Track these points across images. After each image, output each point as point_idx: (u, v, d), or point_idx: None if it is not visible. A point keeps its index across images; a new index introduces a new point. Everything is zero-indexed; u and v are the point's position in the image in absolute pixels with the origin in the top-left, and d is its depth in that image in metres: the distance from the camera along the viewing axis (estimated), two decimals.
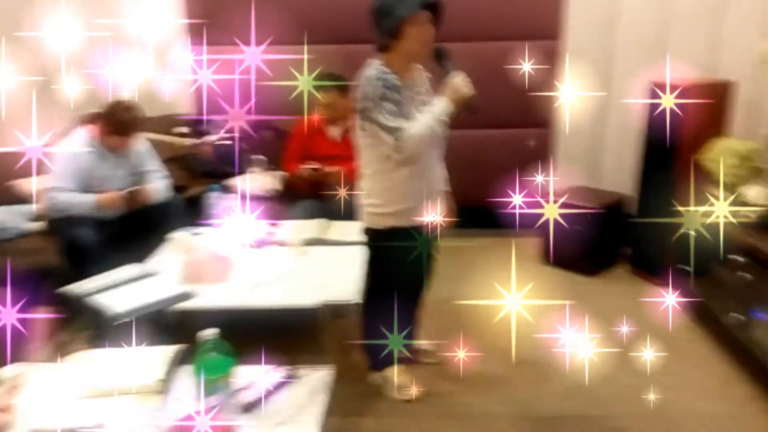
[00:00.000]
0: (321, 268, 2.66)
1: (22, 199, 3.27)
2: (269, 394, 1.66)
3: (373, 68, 2.18)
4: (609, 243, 3.74)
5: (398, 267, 2.40)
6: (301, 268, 2.67)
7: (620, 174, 3.93)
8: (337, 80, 3.35)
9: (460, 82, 2.16)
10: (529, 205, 3.85)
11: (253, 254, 2.81)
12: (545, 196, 3.85)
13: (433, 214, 2.40)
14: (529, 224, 3.98)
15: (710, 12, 3.62)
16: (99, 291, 2.40)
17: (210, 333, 1.50)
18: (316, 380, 1.78)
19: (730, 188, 2.90)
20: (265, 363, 1.79)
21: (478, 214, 4.33)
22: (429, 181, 2.35)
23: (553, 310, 3.20)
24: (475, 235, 4.25)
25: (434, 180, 2.39)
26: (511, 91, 4.10)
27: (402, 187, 2.27)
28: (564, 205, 3.70)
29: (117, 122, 3.03)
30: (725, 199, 2.89)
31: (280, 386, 1.71)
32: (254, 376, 1.70)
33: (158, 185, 3.25)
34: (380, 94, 2.12)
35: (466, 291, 3.49)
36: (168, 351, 1.82)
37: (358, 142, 2.32)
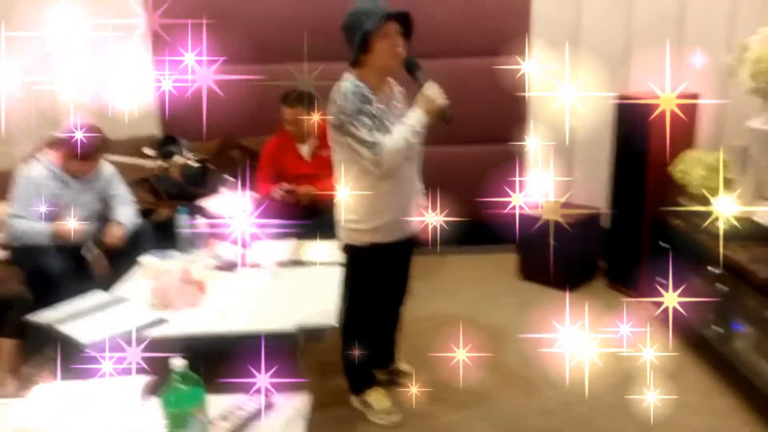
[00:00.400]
0: (296, 291, 2.60)
1: None
2: (244, 425, 1.59)
3: (348, 82, 2.16)
4: (585, 257, 3.74)
5: (378, 284, 2.37)
6: (276, 291, 2.60)
7: (593, 187, 3.95)
8: (301, 97, 3.32)
9: (433, 92, 2.15)
10: (505, 217, 3.86)
11: (224, 277, 2.73)
12: (522, 209, 3.86)
13: (412, 228, 2.39)
14: (506, 239, 4.04)
15: (673, 25, 3.69)
16: (66, 319, 2.29)
17: (177, 364, 1.42)
18: (292, 408, 1.71)
19: (702, 199, 2.92)
20: (240, 391, 1.72)
21: (453, 229, 4.33)
22: (407, 195, 2.34)
23: (531, 325, 3.19)
24: (452, 251, 4.23)
25: (412, 194, 2.38)
26: (484, 106, 4.13)
27: (381, 202, 2.24)
28: (534, 220, 3.71)
29: (78, 147, 2.90)
30: (697, 210, 2.92)
31: (254, 416, 1.63)
32: (228, 407, 1.62)
33: (125, 212, 3.15)
34: (356, 108, 2.10)
35: (446, 308, 3.46)
36: (137, 382, 1.73)
37: (334, 158, 2.28)
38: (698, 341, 2.78)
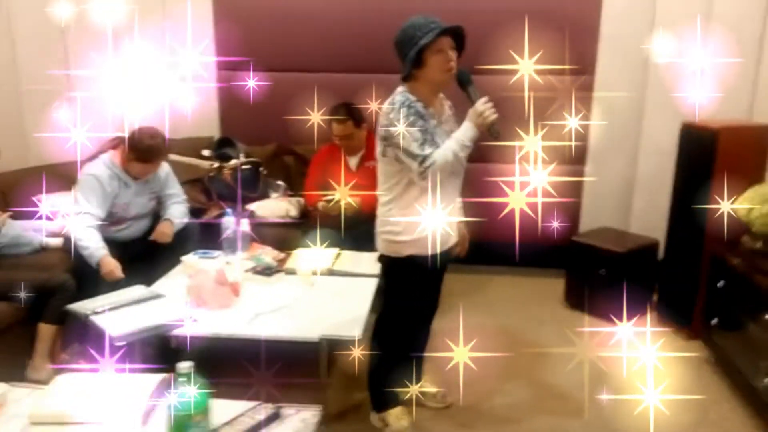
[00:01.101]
0: (328, 300, 2.60)
1: (46, 215, 3.29)
2: None
3: (399, 95, 2.18)
4: (637, 289, 3.56)
5: (413, 297, 2.35)
6: (308, 299, 2.61)
7: (651, 217, 3.77)
8: (351, 112, 3.34)
9: (483, 106, 2.14)
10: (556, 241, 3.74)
11: (260, 282, 2.76)
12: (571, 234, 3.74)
13: (450, 243, 2.37)
14: (554, 264, 3.91)
15: (748, 53, 3.49)
16: (102, 311, 2.38)
17: (184, 366, 1.43)
18: (300, 420, 1.69)
19: (765, 238, 2.73)
20: (256, 398, 1.72)
21: (501, 249, 4.24)
22: (447, 211, 2.31)
23: (571, 359, 3.07)
24: (499, 271, 4.13)
25: (453, 209, 2.35)
26: (542, 126, 4.03)
27: (423, 215, 2.22)
28: (588, 247, 3.57)
29: (141, 150, 2.97)
30: (758, 249, 2.73)
31: (262, 425, 1.63)
32: (235, 414, 1.62)
33: (176, 210, 3.23)
34: (406, 120, 2.12)
35: (485, 329, 3.36)
36: (153, 380, 1.76)
37: (379, 169, 2.30)
38: (747, 390, 2.58)
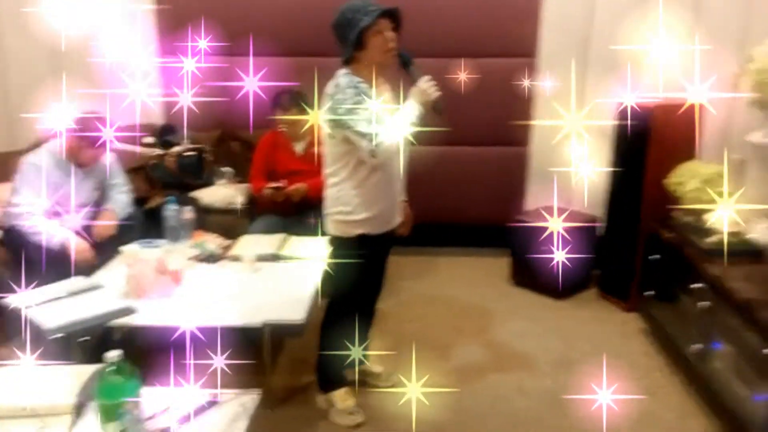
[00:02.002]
0: (273, 286, 2.60)
1: None
2: (184, 420, 1.58)
3: (343, 77, 2.20)
4: (578, 265, 3.66)
5: (363, 277, 2.38)
6: (252, 286, 2.60)
7: (592, 195, 3.87)
8: (295, 98, 3.32)
9: (426, 84, 2.19)
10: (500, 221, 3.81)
11: (204, 269, 2.75)
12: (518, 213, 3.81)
13: (395, 223, 2.42)
14: (499, 243, 3.99)
15: (682, 35, 3.59)
16: (39, 304, 2.33)
17: (112, 355, 1.42)
18: (239, 405, 1.70)
19: (695, 213, 2.84)
20: (194, 385, 1.72)
21: (449, 230, 4.30)
22: (394, 189, 2.37)
23: (515, 333, 3.15)
24: (445, 252, 4.20)
25: (398, 188, 2.40)
26: (488, 108, 4.08)
27: (372, 194, 2.27)
28: (532, 227, 3.65)
29: (89, 135, 2.90)
30: (689, 224, 2.84)
31: (197, 412, 1.63)
32: (170, 401, 1.62)
33: (119, 200, 3.18)
34: (354, 101, 2.14)
35: (432, 310, 3.43)
36: (87, 370, 1.74)
37: (326, 150, 2.31)
38: (680, 358, 2.70)
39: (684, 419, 2.47)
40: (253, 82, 3.08)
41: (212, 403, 1.68)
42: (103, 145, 3.01)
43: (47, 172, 2.90)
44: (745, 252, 2.58)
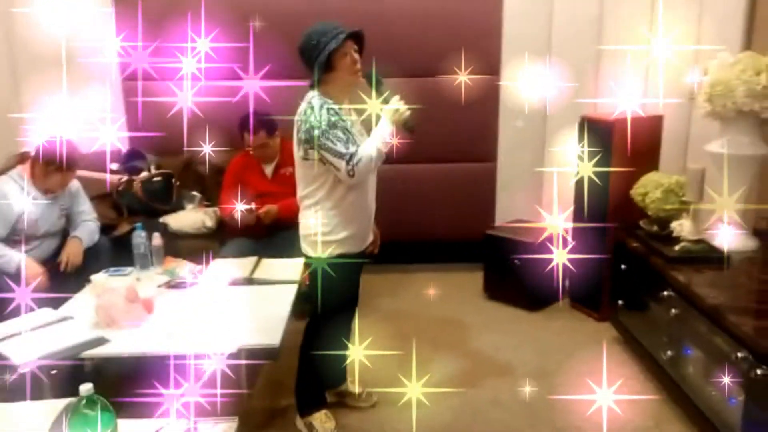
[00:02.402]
0: (246, 310, 2.56)
1: None
2: None
3: (316, 99, 2.22)
4: (549, 277, 3.70)
5: (341, 297, 2.38)
6: (226, 310, 2.56)
7: (563, 207, 3.93)
8: (263, 121, 3.33)
9: (398, 103, 2.24)
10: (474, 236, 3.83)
11: (175, 296, 2.70)
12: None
13: (368, 241, 2.45)
14: (472, 258, 4.02)
15: (641, 47, 3.71)
16: (5, 338, 2.26)
17: (84, 389, 1.39)
18: None
19: (659, 222, 2.91)
20: (171, 415, 1.68)
21: (421, 247, 4.31)
22: (369, 207, 2.40)
23: (490, 346, 3.17)
24: (418, 269, 4.21)
25: (372, 206, 2.43)
26: (454, 126, 4.13)
27: (349, 213, 2.30)
28: (503, 240, 3.69)
29: (55, 161, 2.86)
30: (655, 233, 2.91)
31: None
32: None
33: (85, 228, 3.13)
34: (328, 121, 2.17)
35: (407, 326, 3.43)
36: (58, 405, 1.69)
37: (300, 173, 2.32)
38: (654, 366, 2.75)
39: (660, 426, 2.51)
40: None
41: None
42: (71, 170, 2.97)
43: (10, 199, 2.84)
44: (709, 258, 2.65)
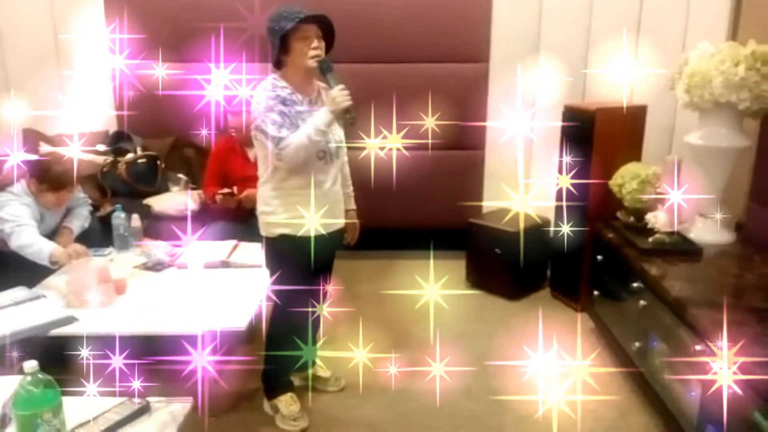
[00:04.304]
0: (218, 293, 2.59)
1: None
2: (112, 428, 1.58)
3: (266, 82, 2.27)
4: (531, 266, 3.71)
5: (292, 279, 2.36)
6: (199, 293, 2.59)
7: (545, 197, 3.92)
8: (250, 102, 3.32)
9: (338, 93, 2.19)
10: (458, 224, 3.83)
11: (150, 277, 2.73)
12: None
13: (330, 228, 2.42)
14: (458, 246, 4.03)
15: (627, 38, 3.68)
16: None
17: (29, 365, 1.42)
18: (169, 413, 1.70)
19: (635, 213, 2.90)
20: (131, 394, 1.72)
21: (407, 234, 4.32)
22: (324, 195, 2.37)
23: (467, 334, 3.18)
24: (402, 256, 4.22)
25: (330, 195, 2.40)
26: (442, 113, 4.12)
27: (291, 197, 2.32)
28: (485, 228, 3.69)
29: (51, 178, 2.76)
30: (630, 224, 2.90)
31: (127, 420, 1.63)
32: (101, 411, 1.62)
33: (79, 214, 3.09)
34: (266, 104, 2.21)
35: (386, 312, 3.45)
36: (13, 382, 1.72)
37: (257, 152, 2.37)
38: (623, 357, 2.76)
39: (625, 417, 2.52)
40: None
41: (142, 411, 1.68)
42: (65, 190, 2.83)
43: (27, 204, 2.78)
44: (682, 251, 2.65)
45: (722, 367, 1.82)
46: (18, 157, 2.92)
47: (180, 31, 3.83)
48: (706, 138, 2.73)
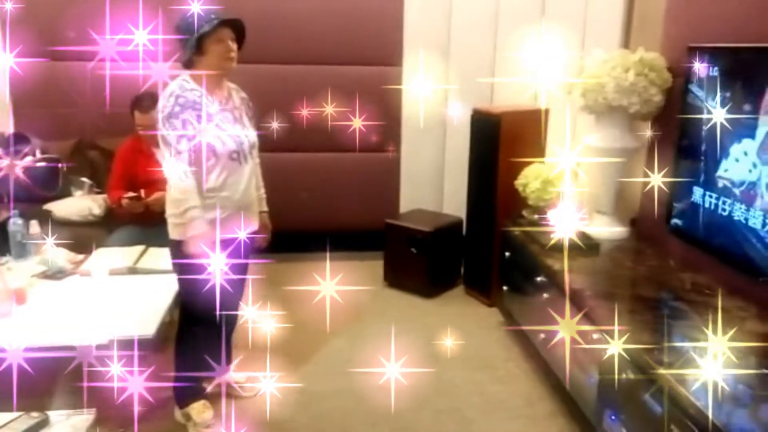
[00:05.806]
0: (126, 300, 2.50)
1: None
2: None
3: (174, 83, 2.22)
4: (445, 265, 3.81)
5: (198, 283, 2.29)
6: (104, 301, 2.49)
7: (458, 197, 4.04)
8: (156, 101, 3.22)
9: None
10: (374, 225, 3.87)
11: (50, 286, 2.60)
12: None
13: (241, 231, 2.38)
14: (376, 247, 4.07)
15: (531, 44, 3.84)
16: None
17: None
18: (70, 426, 1.64)
19: (538, 211, 3.04)
20: (30, 408, 1.64)
21: (325, 236, 4.32)
22: (232, 197, 2.34)
23: (382, 333, 3.22)
24: (321, 258, 4.20)
25: (240, 198, 2.37)
26: (358, 115, 4.15)
27: (202, 199, 2.28)
28: (401, 229, 3.76)
29: None
30: (533, 222, 3.04)
31: None
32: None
33: None
34: (170, 111, 2.17)
35: (301, 315, 3.44)
36: None
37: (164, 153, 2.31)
38: (530, 348, 2.89)
39: (532, 405, 2.64)
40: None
41: (41, 425, 1.61)
42: None
43: None
44: (582, 246, 2.80)
45: (615, 354, 1.95)
46: None
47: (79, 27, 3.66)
48: (601, 139, 2.90)
